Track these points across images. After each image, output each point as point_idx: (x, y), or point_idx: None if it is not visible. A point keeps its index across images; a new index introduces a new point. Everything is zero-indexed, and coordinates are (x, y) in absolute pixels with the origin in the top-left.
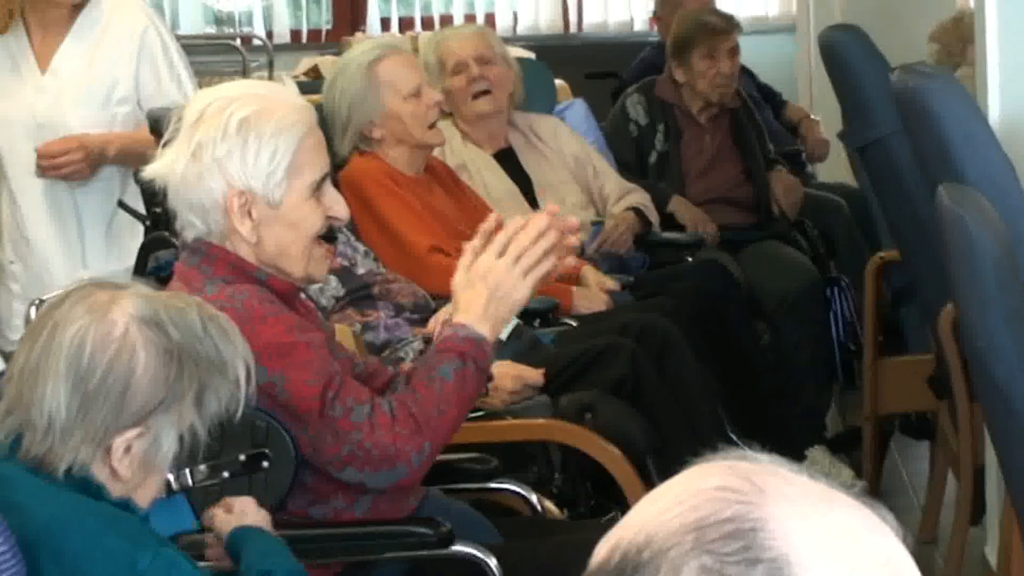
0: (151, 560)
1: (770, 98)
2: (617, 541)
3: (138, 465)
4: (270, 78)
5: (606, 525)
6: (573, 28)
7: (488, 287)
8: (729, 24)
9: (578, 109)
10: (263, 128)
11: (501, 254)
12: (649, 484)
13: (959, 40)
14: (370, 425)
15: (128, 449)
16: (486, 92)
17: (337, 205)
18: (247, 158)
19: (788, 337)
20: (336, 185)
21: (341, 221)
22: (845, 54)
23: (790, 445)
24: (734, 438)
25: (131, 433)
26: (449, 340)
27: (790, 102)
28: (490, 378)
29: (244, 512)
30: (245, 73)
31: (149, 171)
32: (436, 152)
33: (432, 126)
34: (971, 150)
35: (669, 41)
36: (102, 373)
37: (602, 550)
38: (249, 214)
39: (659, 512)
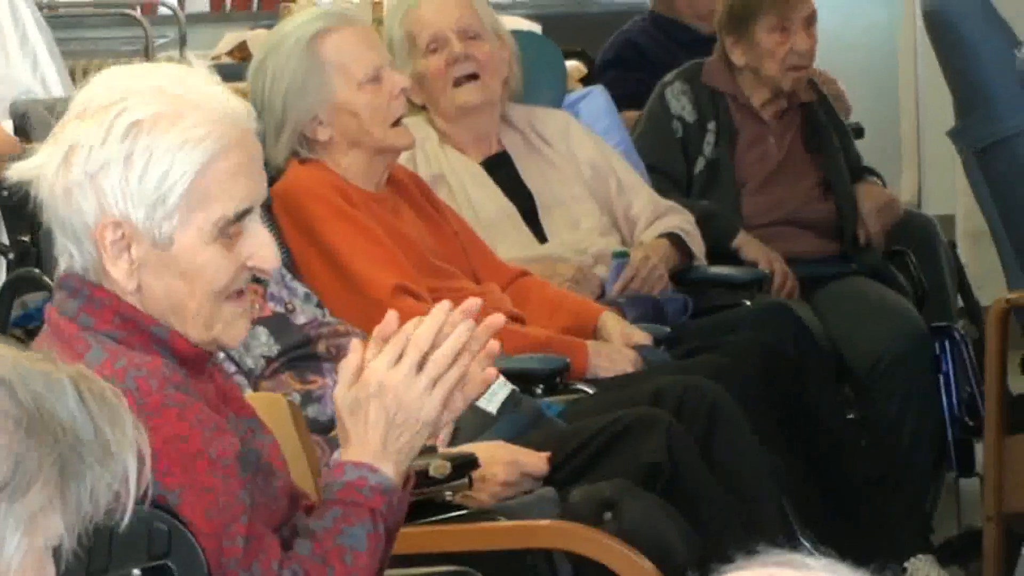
0: None
1: None
2: None
3: None
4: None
5: None
6: None
7: (385, 409)
8: None
9: (596, 100)
10: (159, 138)
11: (396, 362)
12: None
13: None
14: None
15: None
16: (472, 77)
17: (262, 251)
18: (129, 176)
19: (884, 408)
20: (266, 205)
21: (265, 274)
22: (958, 24)
23: (886, 553)
24: (807, 544)
25: None
26: (355, 489)
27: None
28: (476, 465)
29: None
30: (148, 53)
31: (15, 171)
32: (403, 159)
33: (397, 123)
34: None
35: (722, 9)
36: None
37: None
38: (128, 251)
39: None
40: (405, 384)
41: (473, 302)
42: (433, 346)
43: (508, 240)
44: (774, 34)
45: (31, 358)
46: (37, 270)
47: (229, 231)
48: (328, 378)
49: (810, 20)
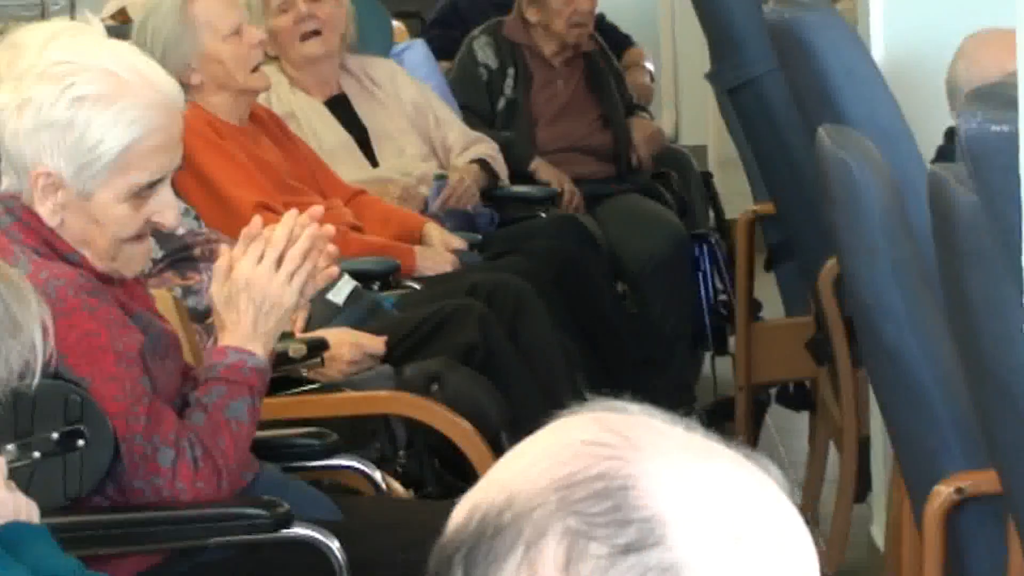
0: None
1: (614, 40)
2: (477, 502)
3: None
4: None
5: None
6: None
7: (252, 300)
8: None
9: (417, 51)
10: (97, 114)
11: (259, 260)
12: None
13: None
14: (172, 474)
15: None
16: (315, 32)
17: (167, 211)
18: (66, 139)
19: (653, 300)
20: None
21: (165, 228)
22: None
23: None
24: None
25: None
26: (237, 369)
27: (637, 47)
28: (326, 347)
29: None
30: (44, 17)
31: None
32: (262, 99)
33: (256, 69)
34: (853, 88)
35: None
36: None
37: (460, 512)
38: (55, 195)
39: (522, 470)
40: (268, 278)
41: (317, 209)
42: (287, 246)
43: (347, 165)
44: None
45: None
46: None
47: (141, 193)
48: (204, 275)
49: None
